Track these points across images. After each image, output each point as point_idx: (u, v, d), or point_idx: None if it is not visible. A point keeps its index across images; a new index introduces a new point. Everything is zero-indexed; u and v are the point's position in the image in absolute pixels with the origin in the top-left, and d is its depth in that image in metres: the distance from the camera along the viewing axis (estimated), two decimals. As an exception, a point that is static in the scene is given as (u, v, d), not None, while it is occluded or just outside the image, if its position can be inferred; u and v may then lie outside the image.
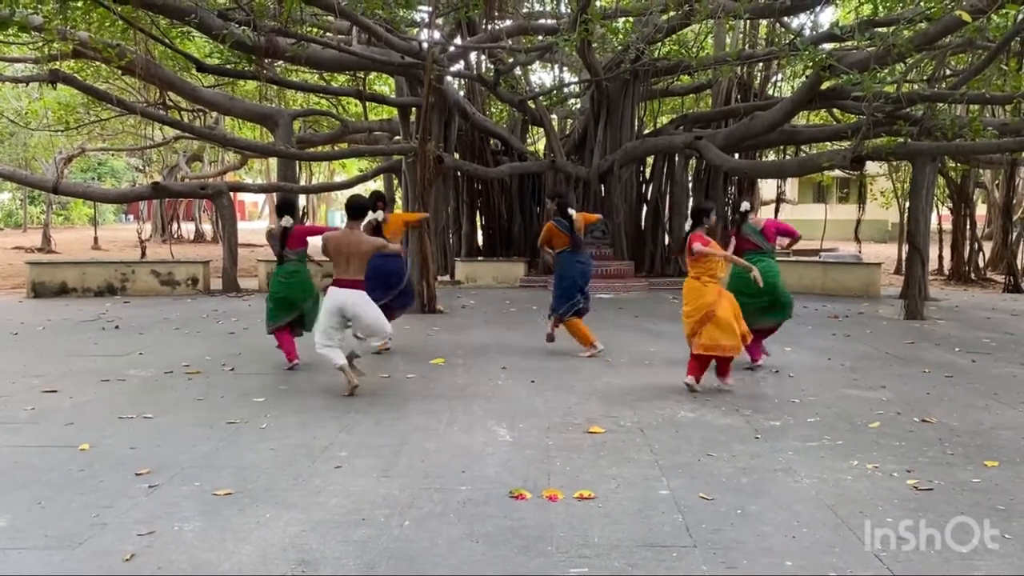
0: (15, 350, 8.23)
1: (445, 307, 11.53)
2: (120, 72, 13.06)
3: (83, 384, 6.53)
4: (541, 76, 22.59)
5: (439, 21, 14.01)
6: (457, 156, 15.86)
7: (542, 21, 16.10)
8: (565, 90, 18.30)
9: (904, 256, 15.13)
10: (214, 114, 19.54)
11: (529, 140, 20.89)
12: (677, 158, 16.71)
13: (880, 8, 11.38)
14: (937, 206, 17.73)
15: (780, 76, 18.50)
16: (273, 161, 25.49)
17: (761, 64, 16.34)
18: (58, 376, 6.83)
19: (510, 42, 14.55)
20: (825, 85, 12.13)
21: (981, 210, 23.63)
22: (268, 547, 3.43)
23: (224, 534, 3.56)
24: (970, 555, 3.42)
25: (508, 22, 14.71)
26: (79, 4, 10.22)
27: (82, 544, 3.45)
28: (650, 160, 17.50)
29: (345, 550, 3.41)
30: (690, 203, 17.35)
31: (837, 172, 21.31)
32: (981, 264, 17.93)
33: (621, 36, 14.48)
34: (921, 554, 3.43)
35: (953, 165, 16.52)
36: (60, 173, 24.93)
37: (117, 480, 4.24)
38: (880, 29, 11.06)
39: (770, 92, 18.15)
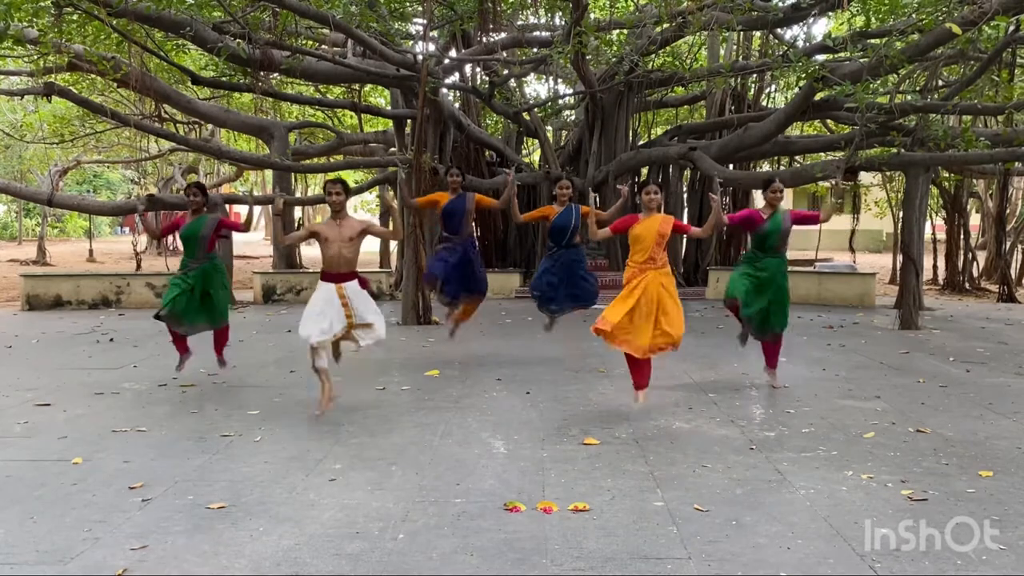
0: (9, 363, 8.20)
1: (440, 318, 11.52)
2: (115, 85, 13.06)
3: (77, 397, 6.51)
4: (536, 88, 22.73)
5: (434, 34, 14.06)
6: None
7: (536, 33, 16.17)
8: (560, 102, 18.40)
9: (898, 266, 15.18)
10: (209, 126, 19.59)
11: (524, 151, 20.94)
12: (671, 169, 16.77)
13: (872, 20, 11.46)
14: (931, 216, 17.81)
15: (774, 87, 18.62)
16: (269, 173, 25.56)
17: (755, 75, 16.44)
18: (51, 389, 6.81)
19: (505, 54, 14.60)
20: (818, 96, 12.20)
21: (975, 220, 23.72)
22: (261, 561, 3.42)
23: (217, 548, 3.55)
24: (966, 562, 3.43)
25: (503, 35, 14.75)
26: (74, 17, 10.23)
27: (74, 559, 3.43)
28: (644, 171, 17.56)
29: (339, 564, 3.39)
30: (685, 214, 17.45)
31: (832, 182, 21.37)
32: (975, 274, 17.96)
33: (615, 48, 14.56)
34: (916, 562, 3.43)
35: (946, 175, 16.58)
36: (55, 185, 24.94)
37: (110, 494, 4.22)
38: (872, 41, 11.14)
39: (764, 103, 18.26)
